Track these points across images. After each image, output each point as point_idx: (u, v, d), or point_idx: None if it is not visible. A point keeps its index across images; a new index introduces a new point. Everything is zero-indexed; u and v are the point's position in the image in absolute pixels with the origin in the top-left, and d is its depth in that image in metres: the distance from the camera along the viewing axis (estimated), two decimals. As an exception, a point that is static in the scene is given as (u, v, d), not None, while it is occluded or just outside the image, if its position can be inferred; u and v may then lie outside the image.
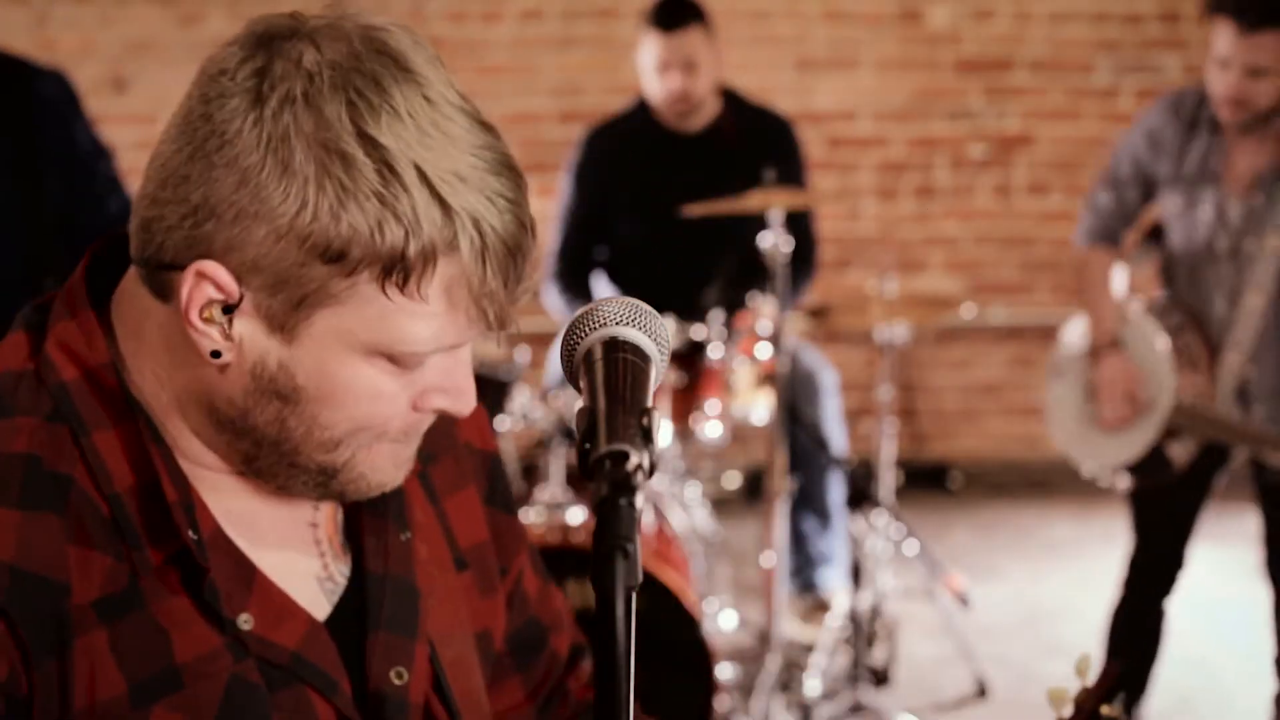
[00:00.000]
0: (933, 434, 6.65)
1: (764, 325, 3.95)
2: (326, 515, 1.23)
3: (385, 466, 1.15)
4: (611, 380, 0.94)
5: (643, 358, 0.97)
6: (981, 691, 4.20)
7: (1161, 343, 3.50)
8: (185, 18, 6.27)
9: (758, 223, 3.90)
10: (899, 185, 6.57)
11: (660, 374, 0.98)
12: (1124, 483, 3.61)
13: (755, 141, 4.41)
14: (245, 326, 1.07)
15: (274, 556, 1.17)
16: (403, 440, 1.14)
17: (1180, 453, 3.51)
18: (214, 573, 1.12)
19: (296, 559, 1.19)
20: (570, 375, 0.99)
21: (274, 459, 1.13)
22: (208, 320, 1.07)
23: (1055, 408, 3.79)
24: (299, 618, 1.15)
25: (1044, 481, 6.39)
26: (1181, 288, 3.51)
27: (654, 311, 1.01)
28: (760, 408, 3.95)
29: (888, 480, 4.56)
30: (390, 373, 1.08)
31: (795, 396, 4.25)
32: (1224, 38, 3.25)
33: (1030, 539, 5.68)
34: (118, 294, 1.16)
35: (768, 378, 3.94)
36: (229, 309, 1.06)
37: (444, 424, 1.30)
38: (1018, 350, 6.57)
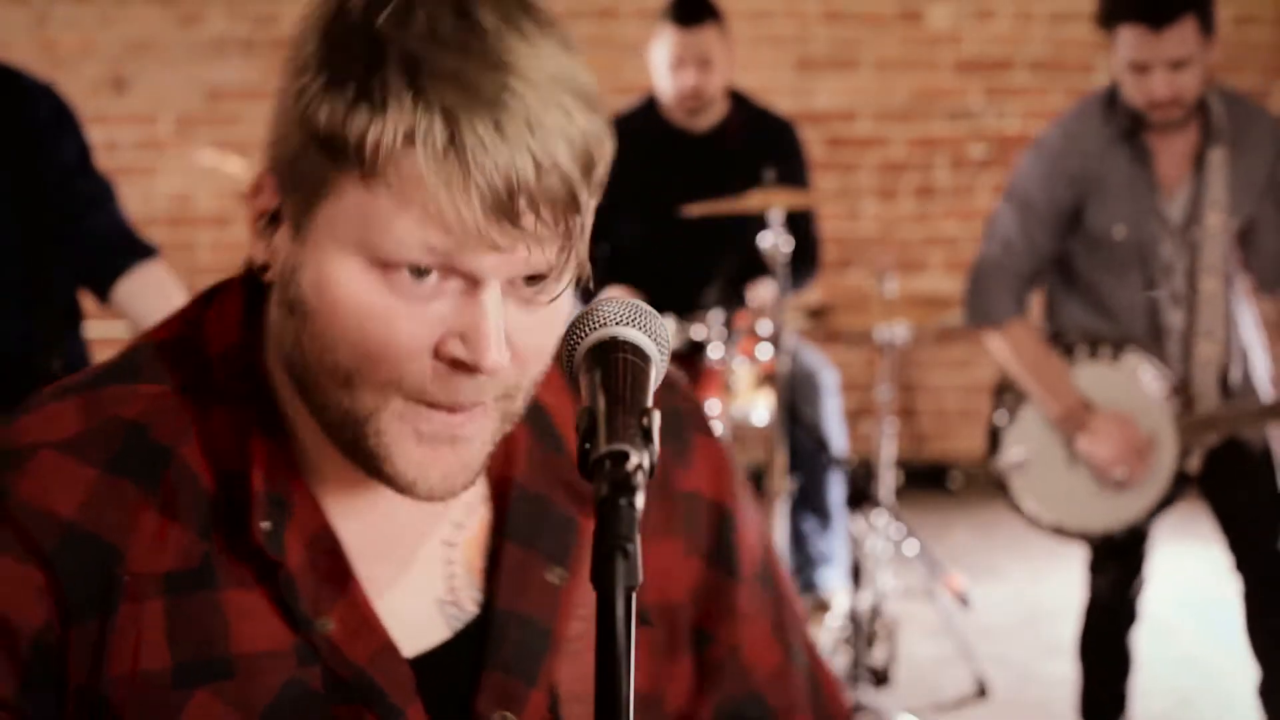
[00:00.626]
0: (933, 434, 6.66)
1: (764, 325, 3.96)
2: (470, 538, 1.17)
3: (412, 449, 1.05)
4: (611, 380, 0.93)
5: (643, 358, 0.96)
6: (981, 691, 4.20)
7: (1121, 373, 3.36)
8: (185, 18, 6.27)
9: (758, 223, 3.90)
10: (899, 185, 6.58)
11: (660, 374, 0.98)
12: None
13: (758, 143, 4.42)
14: (280, 237, 1.06)
15: (389, 567, 1.14)
16: (423, 398, 1.04)
17: (1193, 463, 3.40)
18: (302, 571, 1.09)
19: (417, 575, 1.15)
20: (570, 375, 0.98)
21: (311, 401, 1.08)
22: (259, 234, 1.07)
23: (1044, 500, 3.46)
24: (376, 634, 1.11)
25: (1044, 481, 6.39)
26: (1115, 314, 3.39)
27: (654, 311, 1.00)
28: (760, 408, 3.96)
29: (888, 480, 4.56)
30: (390, 290, 1.02)
31: (795, 396, 4.25)
32: (1134, 42, 3.16)
33: (1030, 539, 5.66)
34: None
35: (768, 378, 3.94)
36: (275, 220, 1.06)
37: (662, 469, 1.20)
38: (1018, 350, 6.57)
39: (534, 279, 1.03)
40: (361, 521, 1.12)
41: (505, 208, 0.99)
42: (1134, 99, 3.24)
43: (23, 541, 1.05)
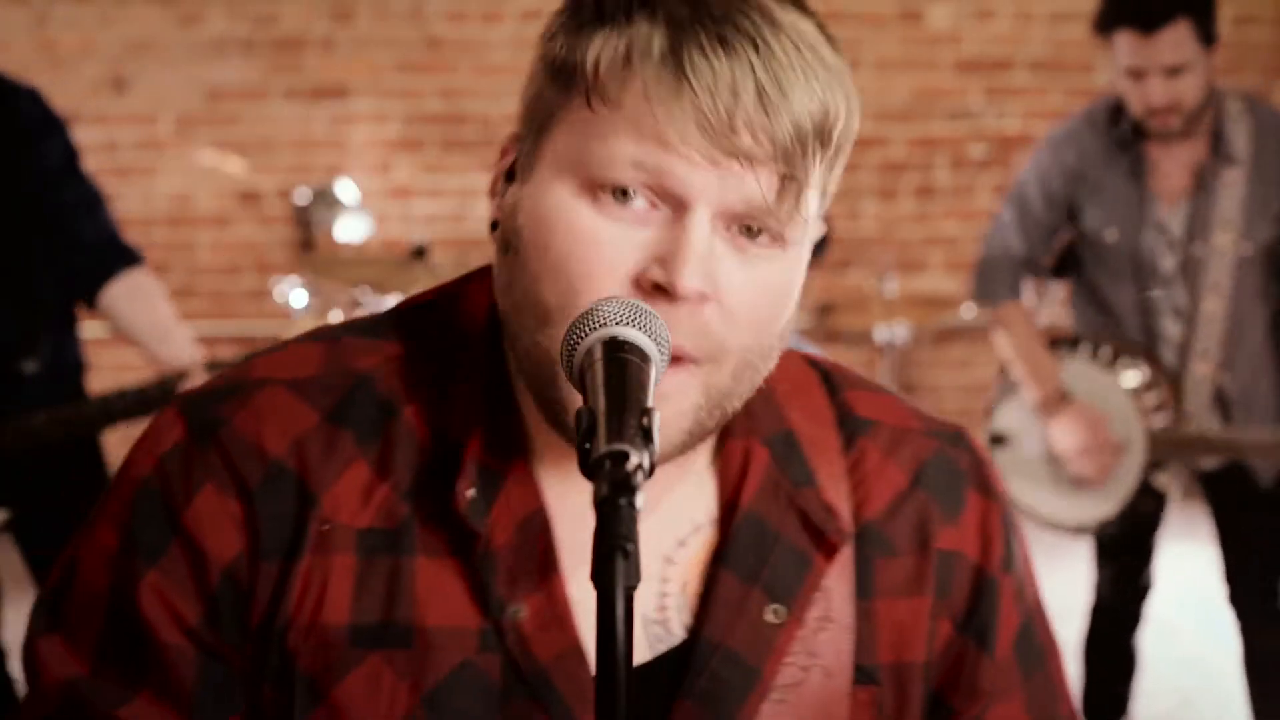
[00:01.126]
0: (933, 434, 6.66)
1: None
2: (692, 558, 1.11)
3: None
4: (611, 380, 0.92)
5: (643, 358, 0.95)
6: (982, 691, 4.19)
7: (1111, 377, 3.36)
8: (185, 18, 6.27)
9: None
10: (899, 185, 6.58)
11: (660, 374, 0.97)
12: (1114, 528, 3.43)
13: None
14: (513, 188, 1.06)
15: None
16: None
17: (1166, 481, 3.39)
18: (505, 551, 1.05)
19: None
20: (570, 375, 0.97)
21: (516, 351, 1.06)
22: (496, 194, 1.08)
23: (1019, 482, 3.50)
24: (567, 634, 1.06)
25: (1044, 481, 6.40)
26: (1115, 316, 3.40)
27: (654, 311, 0.98)
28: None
29: (888, 480, 4.55)
30: (598, 213, 1.00)
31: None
32: (1128, 48, 3.15)
33: (1030, 539, 5.67)
34: None
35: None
36: (510, 177, 1.06)
37: (921, 521, 1.15)
38: (1018, 350, 6.58)
39: (752, 231, 1.01)
40: (580, 518, 1.05)
41: (720, 122, 0.98)
42: (1133, 106, 3.24)
43: (228, 469, 1.06)
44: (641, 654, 1.07)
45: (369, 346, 1.11)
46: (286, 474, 1.06)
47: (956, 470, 1.18)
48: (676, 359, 1.01)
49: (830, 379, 1.20)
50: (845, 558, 1.12)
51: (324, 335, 1.13)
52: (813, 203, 1.04)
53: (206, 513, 1.05)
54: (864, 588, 1.13)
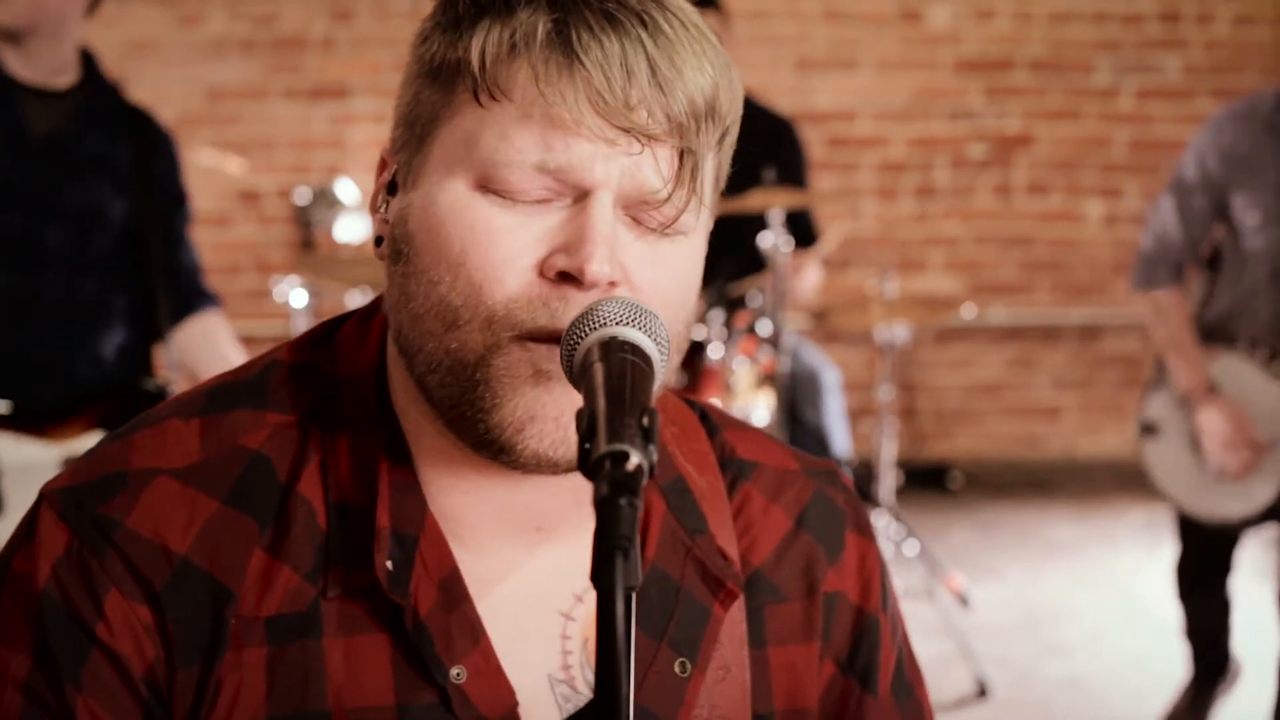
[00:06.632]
0: (933, 434, 6.66)
1: (764, 325, 3.95)
2: (589, 612, 1.08)
3: (525, 389, 0.98)
4: (611, 380, 0.91)
5: (643, 358, 0.95)
6: (981, 691, 4.20)
7: (1263, 376, 3.33)
8: (185, 18, 6.26)
9: (758, 222, 3.90)
10: (899, 185, 6.58)
11: (661, 374, 0.97)
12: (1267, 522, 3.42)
13: (757, 141, 4.41)
14: (395, 200, 1.04)
15: (503, 630, 1.06)
16: (530, 328, 0.98)
17: None
18: (433, 615, 1.02)
19: (530, 645, 1.07)
20: (570, 375, 0.96)
21: (419, 367, 1.01)
22: (375, 210, 1.06)
23: (1165, 472, 3.51)
24: (506, 694, 1.03)
25: (1044, 481, 6.40)
26: (1256, 306, 3.37)
27: (653, 312, 0.98)
28: (760, 408, 3.95)
29: (888, 480, 4.56)
30: (494, 206, 0.98)
31: (796, 396, 4.25)
32: None
33: (1030, 539, 5.68)
34: None
35: (768, 378, 3.94)
36: (392, 189, 1.05)
37: (807, 565, 1.16)
38: (1018, 350, 6.57)
39: (652, 221, 1.00)
40: (481, 579, 1.06)
41: (615, 99, 0.96)
42: None
43: (131, 574, 1.01)
44: (550, 715, 1.06)
45: (251, 419, 1.06)
46: (195, 571, 1.01)
47: (836, 510, 1.18)
48: None
49: (708, 419, 1.19)
50: (738, 606, 1.11)
51: (197, 407, 1.07)
52: (707, 187, 1.04)
53: (117, 621, 1.01)
54: (756, 636, 1.13)
